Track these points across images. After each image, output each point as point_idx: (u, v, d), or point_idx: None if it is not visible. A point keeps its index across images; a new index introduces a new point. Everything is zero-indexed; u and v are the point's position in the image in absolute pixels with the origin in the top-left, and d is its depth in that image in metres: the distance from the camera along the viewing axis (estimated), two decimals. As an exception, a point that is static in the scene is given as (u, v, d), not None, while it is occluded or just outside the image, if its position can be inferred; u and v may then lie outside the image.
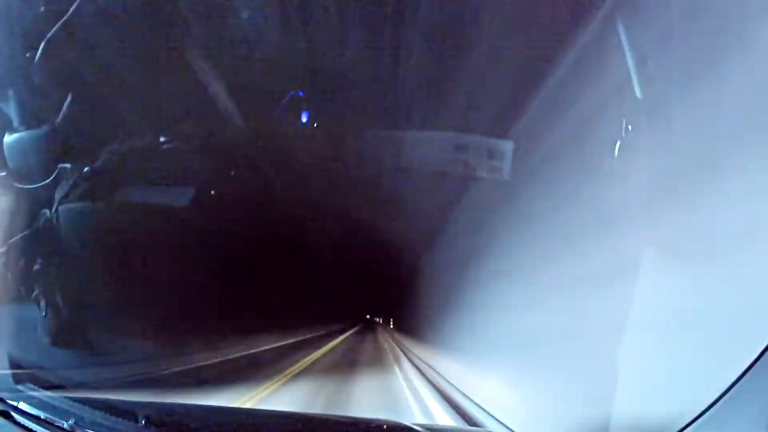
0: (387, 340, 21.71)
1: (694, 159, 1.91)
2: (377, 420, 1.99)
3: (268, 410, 4.21)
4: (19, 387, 3.03)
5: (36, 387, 2.64)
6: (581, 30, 2.81)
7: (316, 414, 2.41)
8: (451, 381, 5.96)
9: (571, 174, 3.20)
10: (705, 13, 1.97)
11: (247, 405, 5.09)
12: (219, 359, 9.19)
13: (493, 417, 4.48)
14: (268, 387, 6.28)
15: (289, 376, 7.65)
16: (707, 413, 1.39)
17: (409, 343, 13.72)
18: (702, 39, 1.96)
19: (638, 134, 2.30)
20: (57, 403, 1.65)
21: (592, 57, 2.86)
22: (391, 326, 28.01)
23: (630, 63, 2.31)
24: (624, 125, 2.36)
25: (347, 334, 26.11)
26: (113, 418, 1.49)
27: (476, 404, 4.52)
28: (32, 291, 4.70)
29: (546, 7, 2.99)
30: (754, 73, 1.62)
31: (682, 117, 2.03)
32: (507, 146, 4.09)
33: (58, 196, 4.77)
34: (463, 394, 5.06)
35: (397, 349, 15.33)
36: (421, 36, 3.58)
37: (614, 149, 2.44)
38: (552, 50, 3.09)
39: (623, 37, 2.37)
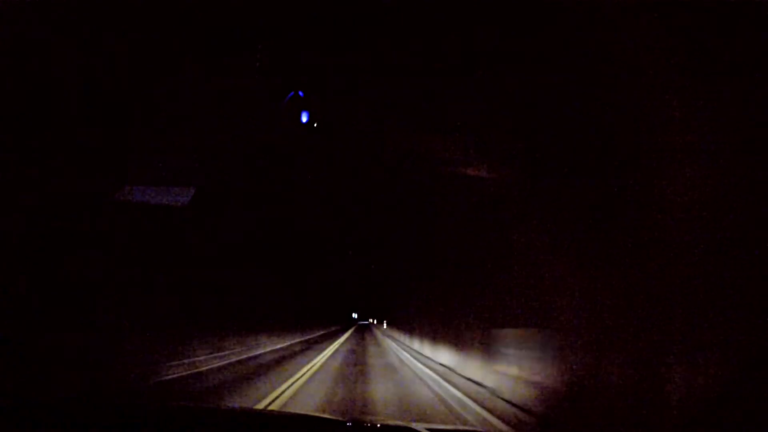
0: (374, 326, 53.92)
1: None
2: (378, 422, 1.99)
3: (261, 411, 4.20)
4: None
5: None
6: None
7: (315, 414, 2.40)
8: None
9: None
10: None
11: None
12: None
13: (491, 418, 4.51)
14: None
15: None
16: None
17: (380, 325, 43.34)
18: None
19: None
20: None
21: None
22: (376, 322, 49.65)
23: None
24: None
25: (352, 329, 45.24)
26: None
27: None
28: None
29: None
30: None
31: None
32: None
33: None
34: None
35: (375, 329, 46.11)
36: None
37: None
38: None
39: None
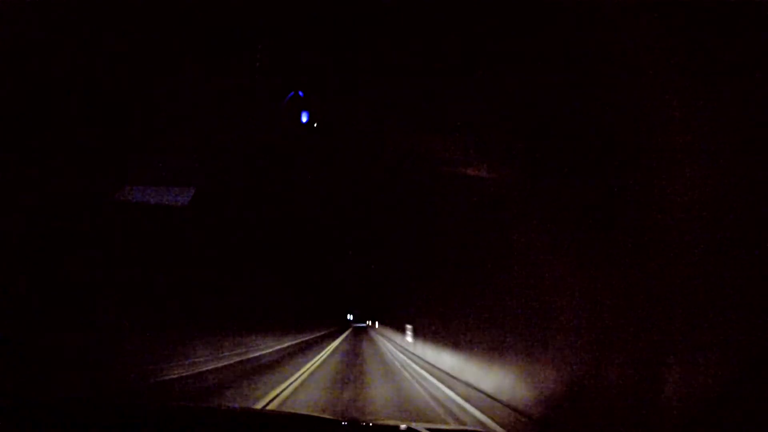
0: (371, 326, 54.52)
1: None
2: (378, 422, 1.99)
3: (260, 411, 4.20)
4: None
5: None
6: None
7: (313, 415, 2.40)
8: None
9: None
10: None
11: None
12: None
13: (491, 419, 4.51)
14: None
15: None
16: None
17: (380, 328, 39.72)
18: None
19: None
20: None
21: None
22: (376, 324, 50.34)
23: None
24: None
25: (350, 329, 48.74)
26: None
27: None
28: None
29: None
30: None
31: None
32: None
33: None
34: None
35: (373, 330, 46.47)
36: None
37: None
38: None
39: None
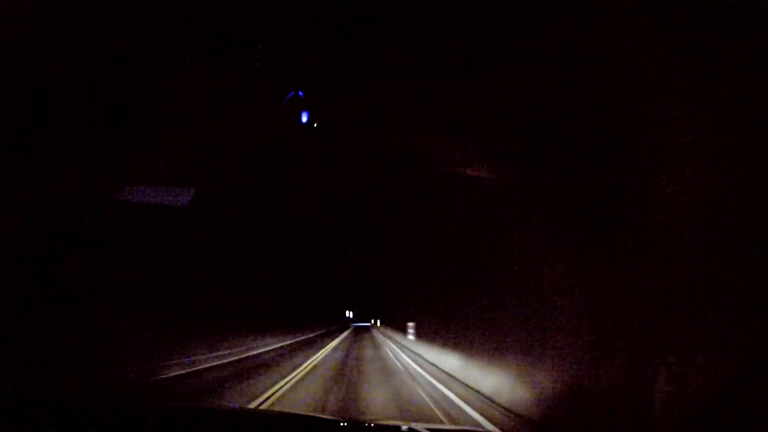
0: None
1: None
2: (378, 422, 1.99)
3: (259, 411, 4.20)
4: None
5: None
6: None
7: (313, 415, 2.41)
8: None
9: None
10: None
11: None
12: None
13: (489, 421, 4.51)
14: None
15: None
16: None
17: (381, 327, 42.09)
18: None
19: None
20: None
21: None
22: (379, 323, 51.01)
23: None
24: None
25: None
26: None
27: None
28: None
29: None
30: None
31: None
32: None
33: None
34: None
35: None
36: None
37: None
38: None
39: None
